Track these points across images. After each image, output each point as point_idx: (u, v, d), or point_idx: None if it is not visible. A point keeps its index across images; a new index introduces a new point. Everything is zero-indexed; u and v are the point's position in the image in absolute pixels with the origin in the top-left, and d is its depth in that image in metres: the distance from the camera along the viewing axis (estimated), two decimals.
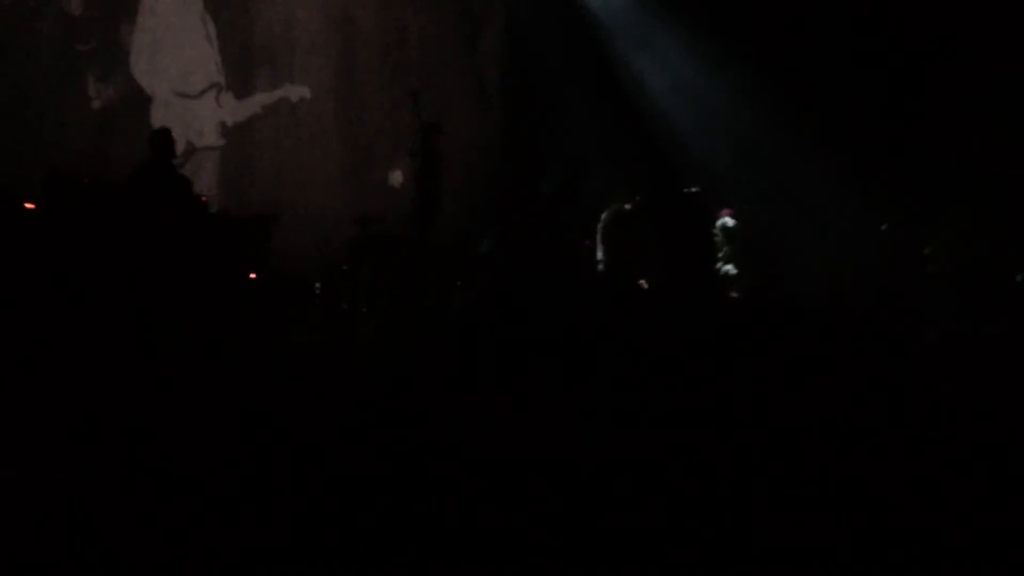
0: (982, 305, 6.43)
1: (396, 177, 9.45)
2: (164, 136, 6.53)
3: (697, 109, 9.61)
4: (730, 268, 7.88)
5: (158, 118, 8.12)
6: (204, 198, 7.26)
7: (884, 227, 7.71)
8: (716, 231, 7.97)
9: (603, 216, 7.88)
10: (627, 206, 7.89)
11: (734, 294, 7.90)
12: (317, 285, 7.61)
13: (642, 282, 7.70)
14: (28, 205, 6.16)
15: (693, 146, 9.44)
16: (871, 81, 8.68)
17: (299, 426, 4.63)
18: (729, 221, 7.93)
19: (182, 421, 4.48)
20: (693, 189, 8.09)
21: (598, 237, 7.92)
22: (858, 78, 8.80)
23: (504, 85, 10.34)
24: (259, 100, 8.87)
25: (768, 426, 4.04)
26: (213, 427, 4.56)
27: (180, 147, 8.18)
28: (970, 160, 7.92)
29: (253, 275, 7.17)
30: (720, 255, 7.96)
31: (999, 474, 3.50)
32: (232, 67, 8.73)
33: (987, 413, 4.14)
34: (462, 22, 10.27)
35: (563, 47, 10.07)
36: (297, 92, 9.08)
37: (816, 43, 8.87)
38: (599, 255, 7.82)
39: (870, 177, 8.34)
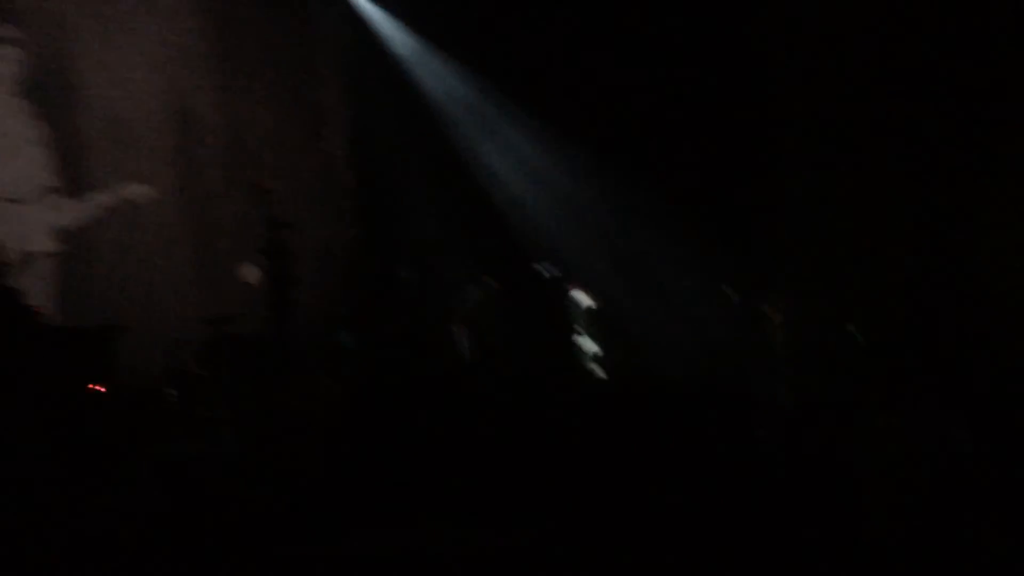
0: (832, 366, 6.84)
1: (249, 273, 9.21)
2: None
3: (543, 190, 9.98)
4: (591, 345, 8.08)
5: None
6: (37, 309, 6.88)
7: (732, 295, 8.12)
8: (570, 304, 8.17)
9: (465, 299, 7.96)
10: (486, 290, 8.00)
11: (594, 368, 8.09)
12: (172, 393, 7.27)
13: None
14: None
15: (542, 226, 9.76)
16: (708, 152, 9.18)
17: (170, 544, 4.39)
18: (585, 299, 8.17)
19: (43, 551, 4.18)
20: (548, 267, 8.29)
21: (458, 321, 7.98)
22: (694, 149, 9.30)
23: (356, 176, 10.37)
24: (98, 201, 8.52)
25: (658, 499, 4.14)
26: (73, 550, 4.26)
27: (14, 256, 7.74)
28: (814, 222, 8.46)
29: (97, 387, 6.78)
30: (579, 331, 8.16)
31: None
32: (68, 169, 8.37)
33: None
34: (307, 115, 10.26)
35: (411, 136, 10.25)
36: (139, 190, 8.78)
37: (656, 116, 9.35)
38: (463, 339, 7.87)
39: (720, 247, 8.78)
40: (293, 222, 7.62)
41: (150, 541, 4.63)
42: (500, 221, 10.09)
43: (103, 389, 6.72)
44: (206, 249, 9.19)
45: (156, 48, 9.00)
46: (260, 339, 7.60)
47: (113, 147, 8.70)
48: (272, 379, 7.22)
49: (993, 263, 7.67)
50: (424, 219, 10.00)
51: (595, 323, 8.09)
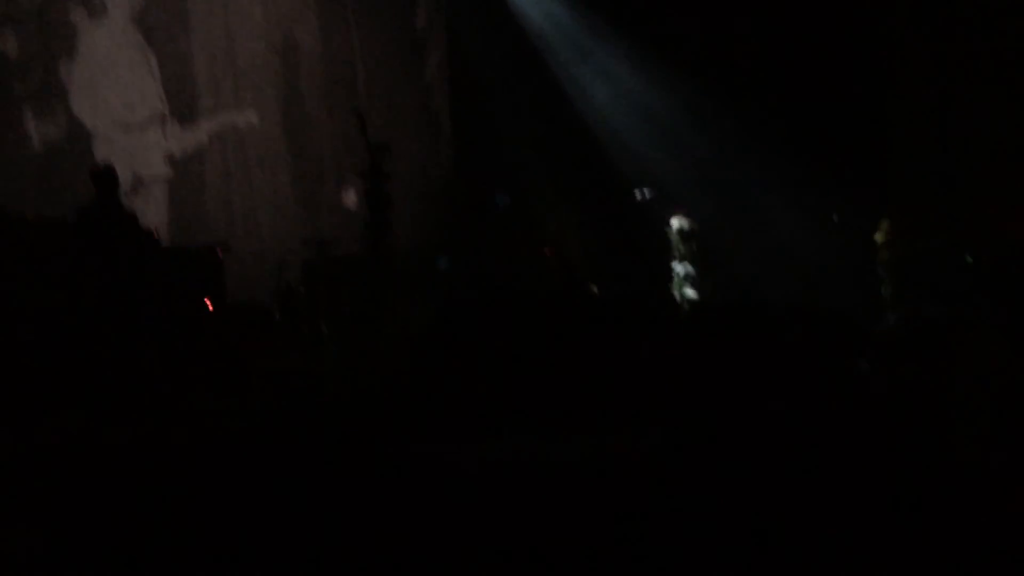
0: (937, 288, 6.60)
1: (349, 198, 9.41)
2: (107, 173, 6.46)
3: (639, 118, 9.81)
4: (686, 267, 7.98)
5: (102, 153, 7.99)
6: (153, 231, 7.17)
7: (835, 218, 7.88)
8: (670, 232, 8.07)
9: (559, 223, 7.95)
10: (579, 215, 7.97)
11: (691, 293, 7.99)
12: (277, 311, 7.53)
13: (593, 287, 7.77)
14: None
15: (638, 153, 9.62)
16: (811, 77, 8.87)
17: (270, 454, 4.57)
18: (682, 222, 8.05)
19: (151, 458, 4.41)
20: (646, 192, 8.20)
21: (551, 245, 7.98)
22: (796, 75, 9.00)
23: (451, 102, 10.40)
24: (205, 128, 8.78)
25: (748, 422, 4.08)
26: (182, 461, 4.48)
27: (127, 180, 8.07)
28: (916, 149, 8.14)
29: (209, 305, 7.08)
30: (675, 256, 8.06)
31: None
32: (176, 97, 8.63)
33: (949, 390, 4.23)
34: (406, 43, 10.30)
35: (507, 62, 10.19)
36: (244, 117, 9.01)
37: (753, 44, 9.07)
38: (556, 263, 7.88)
39: (817, 171, 8.52)
40: (391, 147, 7.70)
41: (257, 451, 4.81)
42: (596, 147, 9.98)
43: (211, 306, 7.00)
44: (307, 173, 9.41)
45: None
46: (359, 260, 7.77)
47: (220, 76, 8.92)
48: (370, 299, 7.39)
49: None
50: (520, 145, 9.96)
51: (693, 247, 7.97)
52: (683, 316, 7.74)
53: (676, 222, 8.05)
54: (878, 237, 7.32)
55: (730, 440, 3.97)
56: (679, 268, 8.01)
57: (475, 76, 10.18)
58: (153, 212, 8.28)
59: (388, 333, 7.16)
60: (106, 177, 6.38)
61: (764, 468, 3.61)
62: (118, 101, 8.33)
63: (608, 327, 5.95)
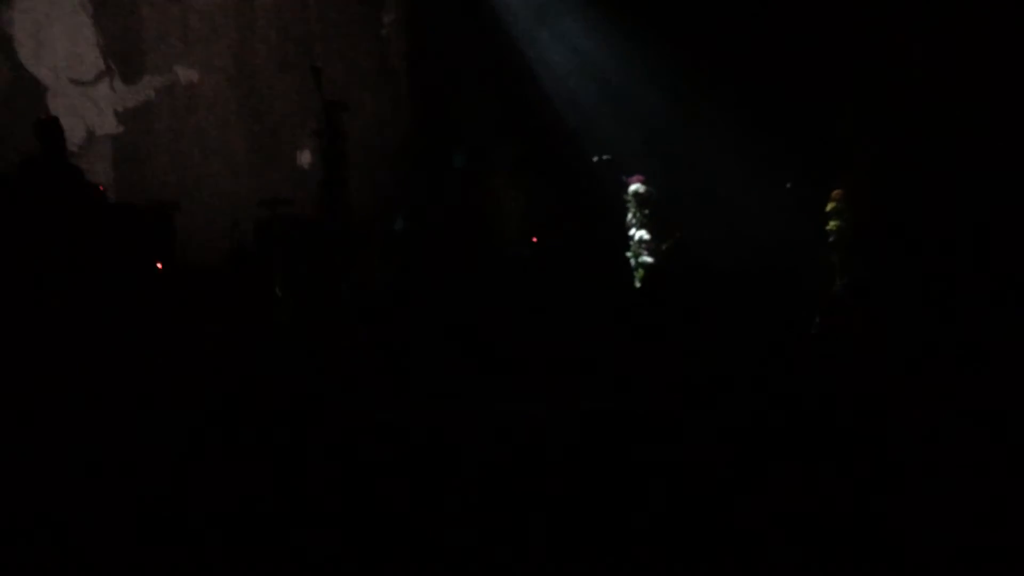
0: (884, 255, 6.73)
1: (304, 157, 9.25)
2: (50, 125, 6.27)
3: (596, 83, 9.78)
4: (643, 233, 8.02)
5: (55, 106, 7.76)
6: (101, 187, 6.99)
7: (788, 185, 7.96)
8: (627, 197, 8.09)
9: (515, 187, 7.92)
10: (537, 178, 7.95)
11: (647, 258, 8.04)
12: (229, 272, 7.41)
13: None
14: None
15: (595, 120, 9.60)
16: (766, 42, 8.88)
17: (224, 416, 4.54)
18: (640, 187, 8.07)
19: (103, 422, 4.34)
20: (604, 157, 8.19)
21: (507, 208, 7.95)
22: (753, 41, 9.00)
23: (408, 60, 10.24)
24: (149, 83, 8.55)
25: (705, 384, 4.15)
26: (135, 423, 4.43)
27: (80, 135, 7.86)
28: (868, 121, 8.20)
29: (159, 265, 6.95)
30: (633, 220, 8.09)
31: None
32: (121, 51, 8.38)
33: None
34: None
35: (466, 21, 10.05)
36: (195, 73, 8.79)
37: (709, 8, 9.04)
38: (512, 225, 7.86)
39: (772, 140, 8.57)
40: (347, 105, 7.56)
41: (213, 414, 4.77)
42: (554, 111, 9.93)
43: (161, 266, 6.87)
44: (261, 131, 9.22)
45: None
46: (314, 220, 7.67)
47: (168, 31, 8.67)
48: (325, 261, 7.31)
49: None
50: (479, 106, 9.88)
51: (649, 213, 8.00)
52: (640, 280, 7.81)
53: (633, 187, 8.08)
54: (829, 207, 7.43)
55: (688, 403, 4.03)
56: (636, 233, 8.05)
57: (433, 34, 10.03)
58: (103, 169, 8.08)
59: (344, 295, 7.10)
60: (50, 129, 6.20)
61: (726, 431, 3.67)
62: (64, 54, 8.08)
63: (565, 291, 5.97)
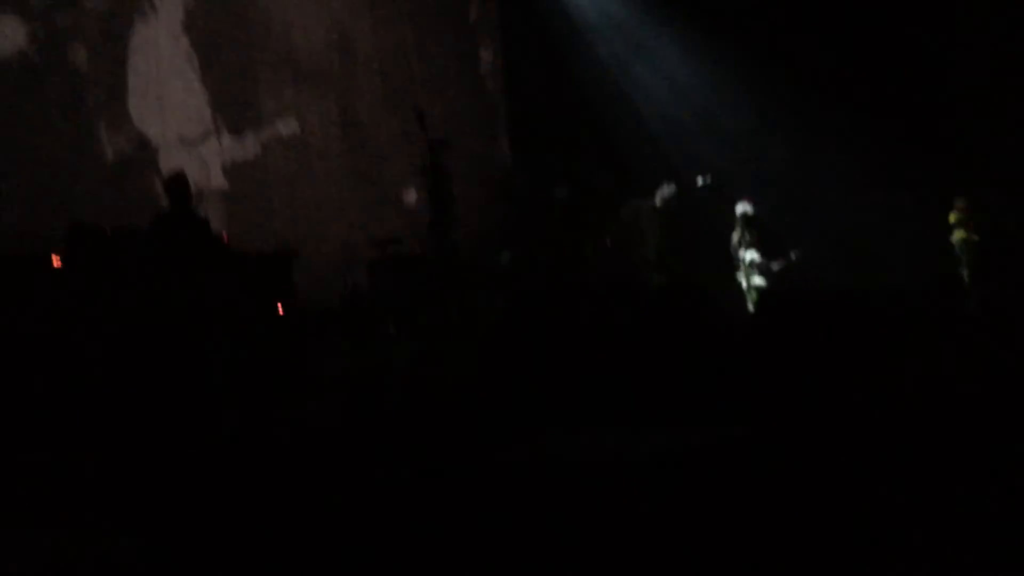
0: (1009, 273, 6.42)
1: (411, 196, 9.49)
2: (178, 181, 6.59)
3: (695, 109, 9.73)
4: (753, 254, 7.87)
5: (166, 163, 8.17)
6: (225, 236, 7.32)
7: (905, 200, 7.69)
8: (735, 219, 7.97)
9: (624, 214, 7.92)
10: (648, 202, 7.92)
11: (758, 280, 7.89)
12: (343, 312, 7.64)
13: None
14: (55, 261, 6.22)
15: (695, 144, 9.54)
16: (875, 56, 8.67)
17: (345, 454, 4.64)
18: (748, 208, 7.94)
19: (225, 461, 4.50)
20: (707, 180, 8.11)
21: (620, 235, 7.95)
22: (859, 55, 8.80)
23: (507, 95, 10.41)
24: (260, 136, 8.90)
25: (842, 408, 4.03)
26: (257, 460, 4.58)
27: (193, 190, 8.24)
28: (987, 125, 7.90)
29: (280, 309, 7.21)
30: (741, 242, 7.96)
31: None
32: (232, 106, 8.76)
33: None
34: (460, 37, 10.33)
35: (561, 54, 10.17)
36: (302, 122, 9.12)
37: (813, 26, 8.90)
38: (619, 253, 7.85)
39: (884, 152, 8.33)
40: (450, 143, 7.71)
41: (331, 449, 4.88)
42: (652, 138, 9.92)
43: (280, 310, 7.12)
44: (368, 174, 9.50)
45: None
46: (423, 258, 7.83)
47: (278, 81, 9.03)
48: (435, 296, 7.44)
49: None
50: (577, 136, 9.95)
51: (758, 234, 7.86)
52: (752, 304, 7.67)
53: (740, 208, 7.95)
54: (951, 218, 7.12)
55: (814, 433, 3.93)
56: (745, 255, 7.91)
57: (531, 70, 10.17)
58: (215, 223, 8.42)
59: (455, 330, 7.21)
60: (178, 185, 6.51)
61: (854, 463, 3.57)
62: (173, 112, 8.46)
63: (676, 318, 5.91)
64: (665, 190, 7.81)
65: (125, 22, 8.09)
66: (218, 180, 8.62)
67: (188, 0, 8.51)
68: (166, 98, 8.35)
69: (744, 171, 8.92)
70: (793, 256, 7.95)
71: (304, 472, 4.27)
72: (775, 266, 7.83)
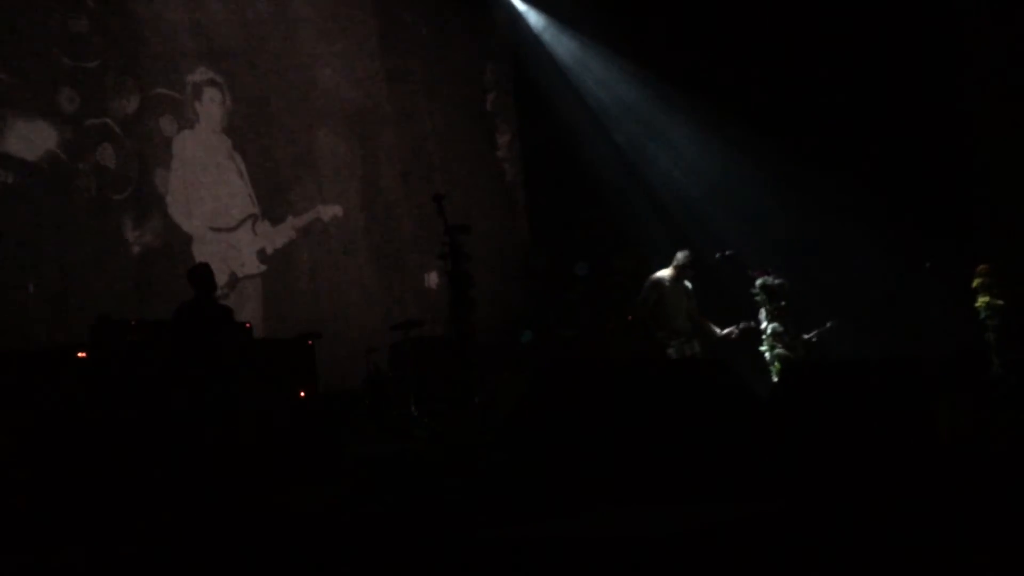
0: None
1: (431, 279, 9.58)
2: (201, 271, 6.71)
3: (708, 184, 9.84)
4: (776, 325, 7.81)
5: (200, 254, 8.37)
6: (248, 324, 7.40)
7: (927, 265, 7.65)
8: (756, 291, 7.94)
9: (646, 290, 7.93)
10: (666, 278, 7.93)
11: (782, 350, 7.81)
12: (367, 396, 7.64)
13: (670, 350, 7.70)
14: (80, 354, 6.31)
15: (712, 219, 9.61)
16: (893, 124, 8.74)
17: (370, 536, 4.58)
18: (769, 279, 7.91)
19: (249, 551, 4.46)
20: (728, 252, 8.11)
21: (642, 311, 7.95)
22: (877, 124, 8.87)
23: (524, 177, 10.59)
24: (292, 224, 9.12)
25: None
26: (282, 549, 4.53)
27: (223, 279, 8.42)
28: (1009, 190, 7.89)
29: (302, 394, 7.22)
30: (763, 314, 7.91)
31: None
32: (264, 196, 9.00)
33: None
34: (478, 124, 10.59)
35: (576, 137, 10.39)
36: (329, 211, 9.33)
37: (829, 96, 9.01)
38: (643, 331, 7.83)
39: (904, 219, 8.32)
40: (469, 227, 7.81)
41: (357, 536, 4.82)
42: (668, 216, 10.01)
43: (303, 394, 7.14)
44: (389, 258, 9.63)
45: (337, 77, 9.54)
46: (445, 340, 7.85)
47: (304, 173, 9.28)
48: (458, 378, 7.43)
49: None
50: (594, 217, 10.05)
51: (781, 305, 7.81)
52: (776, 374, 7.58)
53: (760, 280, 7.93)
54: (975, 283, 7.06)
55: (840, 510, 3.83)
56: (768, 327, 7.85)
57: (546, 151, 10.37)
58: (249, 307, 8.57)
59: (477, 411, 7.17)
60: (202, 276, 6.62)
61: (879, 540, 3.47)
62: (211, 205, 8.71)
63: (698, 392, 5.85)
64: (680, 256, 7.83)
65: (152, 124, 8.38)
66: (252, 267, 8.81)
67: (222, 106, 8.83)
68: (203, 193, 8.62)
69: (761, 245, 8.93)
70: (829, 325, 7.89)
71: (331, 556, 4.22)
72: (810, 336, 7.78)
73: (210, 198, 8.70)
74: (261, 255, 8.92)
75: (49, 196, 7.73)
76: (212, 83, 8.85)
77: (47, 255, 7.61)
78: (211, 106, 8.81)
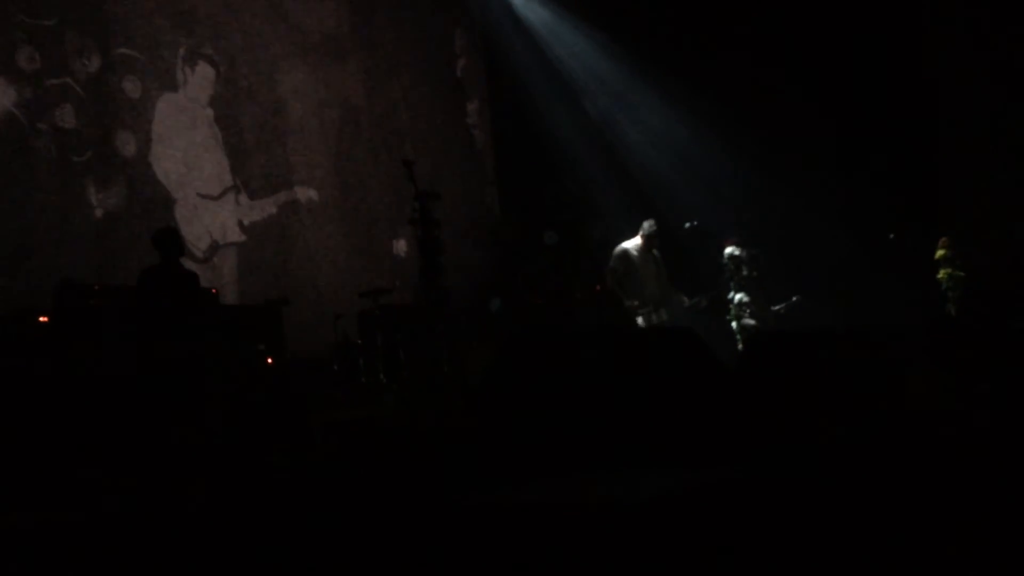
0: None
1: (400, 247, 9.54)
2: (168, 234, 6.61)
3: (678, 154, 9.88)
4: (742, 296, 7.89)
5: (184, 219, 8.29)
6: (214, 290, 7.32)
7: (891, 237, 7.75)
8: (725, 261, 8.00)
9: (614, 258, 7.96)
10: (633, 247, 7.96)
11: (749, 320, 7.89)
12: (335, 363, 7.61)
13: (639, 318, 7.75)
14: (42, 318, 6.21)
15: (679, 190, 9.65)
16: (858, 94, 8.80)
17: (333, 504, 4.59)
18: (736, 250, 7.98)
19: (212, 515, 4.45)
20: (693, 223, 8.16)
21: (611, 279, 7.98)
22: (842, 94, 8.93)
23: (495, 146, 10.55)
24: (273, 200, 9.06)
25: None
26: (245, 515, 4.52)
27: (205, 243, 8.34)
28: (970, 161, 8.00)
29: (270, 360, 7.19)
30: (731, 284, 7.99)
31: None
32: (242, 169, 8.88)
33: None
34: (448, 90, 10.51)
35: (546, 105, 10.34)
36: (305, 193, 9.28)
37: (794, 65, 9.05)
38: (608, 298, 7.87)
39: (869, 190, 8.41)
40: (439, 193, 7.77)
41: (322, 502, 4.83)
42: (637, 183, 10.04)
43: (271, 360, 7.10)
44: (358, 226, 9.57)
45: (312, 50, 9.43)
46: (414, 308, 7.83)
47: (278, 141, 9.17)
48: (425, 345, 7.43)
49: None
50: (564, 185, 10.06)
51: (748, 274, 7.89)
52: (741, 344, 7.67)
53: (728, 250, 7.99)
54: (937, 255, 7.17)
55: (800, 474, 3.90)
56: (735, 296, 7.93)
57: (515, 119, 10.33)
58: (226, 274, 8.51)
59: (446, 379, 7.19)
60: (168, 239, 6.52)
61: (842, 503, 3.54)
62: (200, 175, 8.61)
63: (666, 360, 5.90)
64: (647, 226, 7.87)
65: (114, 86, 8.21)
66: (234, 235, 8.73)
67: (212, 81, 8.73)
68: (189, 162, 8.50)
69: (726, 217, 9.00)
70: (795, 299, 7.98)
71: (296, 521, 4.22)
72: (778, 308, 7.86)
73: (195, 167, 8.60)
74: (241, 225, 8.85)
75: (8, 157, 7.55)
76: (205, 58, 8.74)
77: (7, 217, 7.45)
78: (203, 82, 8.70)
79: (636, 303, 7.73)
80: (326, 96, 9.55)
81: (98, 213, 8.01)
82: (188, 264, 7.13)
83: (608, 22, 10.01)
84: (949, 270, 7.07)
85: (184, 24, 8.69)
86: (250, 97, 9.04)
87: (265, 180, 9.02)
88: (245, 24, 9.11)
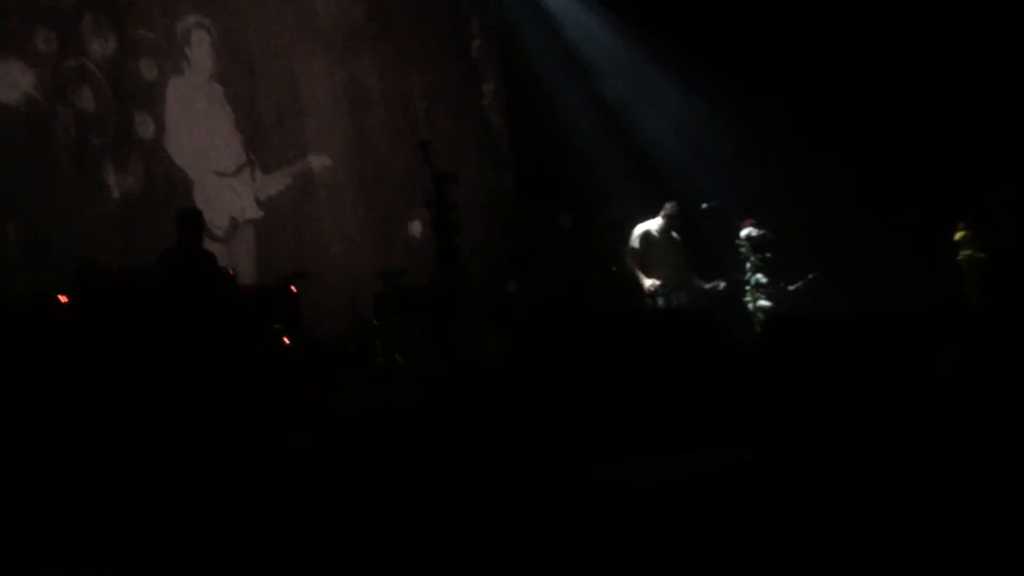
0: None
1: (416, 228, 9.53)
2: (191, 215, 6.64)
3: (694, 139, 9.81)
4: (759, 277, 7.86)
5: (202, 198, 8.29)
6: (231, 271, 7.35)
7: (912, 219, 7.68)
8: (741, 242, 7.96)
9: (634, 239, 7.94)
10: (654, 228, 7.93)
11: (765, 302, 7.86)
12: (351, 343, 7.64)
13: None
14: (62, 298, 6.25)
15: (696, 172, 9.59)
16: (875, 80, 8.70)
17: (346, 489, 4.61)
18: (753, 231, 7.93)
19: (227, 497, 4.48)
20: (711, 204, 8.12)
21: (630, 260, 7.96)
22: (860, 79, 8.83)
23: (510, 127, 10.50)
24: (288, 172, 9.05)
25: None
26: (261, 498, 4.55)
27: (225, 222, 8.37)
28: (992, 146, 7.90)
29: (286, 340, 7.21)
30: (748, 265, 7.95)
31: None
32: (256, 145, 8.88)
33: None
34: (463, 71, 10.45)
35: (563, 86, 10.30)
36: (319, 161, 9.25)
37: (813, 50, 8.96)
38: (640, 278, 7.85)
39: (889, 173, 8.33)
40: (456, 176, 7.75)
41: (336, 484, 4.84)
42: (653, 168, 9.99)
43: (287, 341, 7.13)
44: (375, 207, 9.56)
45: (324, 25, 9.39)
46: (430, 289, 7.83)
47: (292, 121, 9.15)
48: (442, 327, 7.44)
49: None
50: (580, 168, 10.01)
51: (765, 256, 7.85)
52: (758, 326, 7.63)
53: (745, 231, 7.95)
54: (957, 236, 7.10)
55: (818, 455, 3.89)
56: (752, 278, 7.89)
57: (532, 101, 10.28)
58: (245, 252, 8.53)
59: (462, 361, 7.20)
60: (191, 220, 6.55)
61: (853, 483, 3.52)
62: (213, 151, 8.60)
63: (682, 343, 5.88)
64: (668, 207, 7.83)
65: (132, 68, 8.22)
66: (252, 212, 8.74)
67: (213, 52, 8.70)
68: (204, 140, 8.51)
69: (743, 199, 8.95)
70: (811, 277, 7.94)
71: (312, 505, 4.24)
72: (792, 288, 7.83)
73: (210, 145, 8.60)
74: (258, 202, 8.87)
75: (27, 140, 7.58)
76: (200, 25, 8.70)
77: (27, 199, 7.48)
78: (200, 51, 8.67)
79: (654, 284, 7.71)
80: (341, 76, 9.53)
81: (116, 194, 8.04)
82: (208, 244, 7.14)
83: (625, 3, 9.93)
84: (969, 252, 7.00)
85: (200, 5, 8.68)
86: (265, 77, 9.03)
87: (279, 153, 9.01)
88: (260, 3, 9.09)
